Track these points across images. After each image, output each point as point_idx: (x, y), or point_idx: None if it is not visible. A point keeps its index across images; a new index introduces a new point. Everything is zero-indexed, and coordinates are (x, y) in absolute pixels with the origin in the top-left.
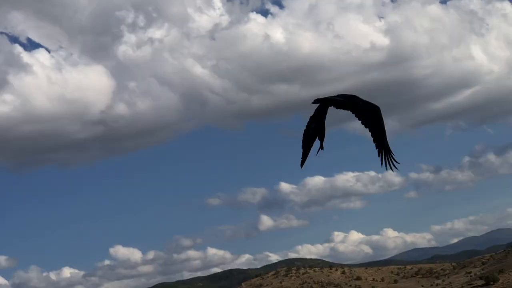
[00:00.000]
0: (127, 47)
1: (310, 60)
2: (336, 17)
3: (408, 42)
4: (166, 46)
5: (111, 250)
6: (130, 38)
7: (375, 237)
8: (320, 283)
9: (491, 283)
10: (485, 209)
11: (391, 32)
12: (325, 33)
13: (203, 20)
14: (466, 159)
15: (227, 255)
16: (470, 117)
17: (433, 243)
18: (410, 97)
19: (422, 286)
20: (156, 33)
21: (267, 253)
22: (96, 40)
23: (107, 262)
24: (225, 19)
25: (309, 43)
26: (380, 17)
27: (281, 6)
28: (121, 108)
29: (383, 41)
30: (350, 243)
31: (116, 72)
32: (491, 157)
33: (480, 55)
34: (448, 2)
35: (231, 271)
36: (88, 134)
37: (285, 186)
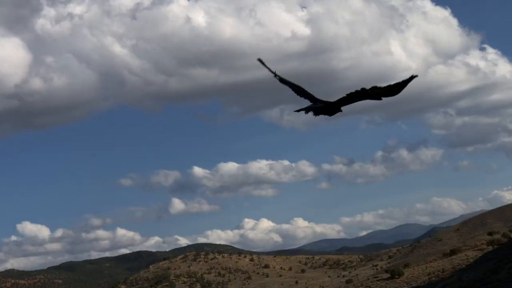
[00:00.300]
0: (45, 21)
1: (231, 46)
2: (258, 4)
3: (329, 33)
4: (85, 22)
5: (19, 226)
6: (49, 11)
7: (285, 226)
8: (228, 269)
9: (396, 276)
10: (394, 204)
11: (312, 22)
12: (247, 20)
13: None
14: (379, 153)
15: (137, 236)
16: (385, 112)
17: (342, 235)
18: (328, 89)
19: (329, 276)
20: (76, 8)
21: (177, 236)
22: (14, 11)
23: (14, 238)
24: None
25: (230, 28)
26: (303, 7)
27: None
28: (37, 83)
29: (304, 31)
30: (260, 230)
31: (33, 46)
32: (403, 152)
33: (398, 51)
34: None
35: (139, 253)
36: (1, 108)
37: (198, 171)
